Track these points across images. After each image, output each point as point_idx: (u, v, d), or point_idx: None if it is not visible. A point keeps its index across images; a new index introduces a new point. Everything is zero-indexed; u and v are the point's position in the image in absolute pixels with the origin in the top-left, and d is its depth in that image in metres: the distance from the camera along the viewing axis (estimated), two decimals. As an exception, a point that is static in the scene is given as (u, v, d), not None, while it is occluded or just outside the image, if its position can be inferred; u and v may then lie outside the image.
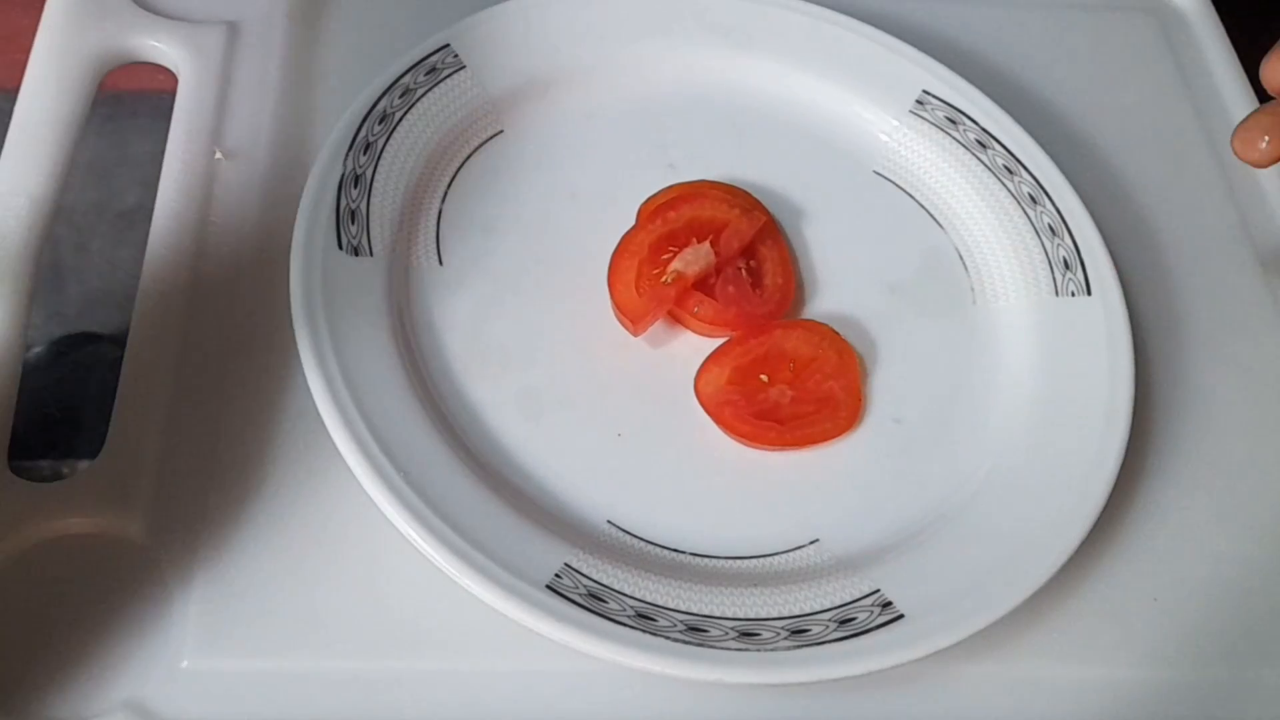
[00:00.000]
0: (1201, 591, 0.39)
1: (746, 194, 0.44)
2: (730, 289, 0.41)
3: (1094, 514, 0.37)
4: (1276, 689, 0.38)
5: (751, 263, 0.42)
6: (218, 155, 0.43)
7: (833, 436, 0.39)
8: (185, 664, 0.34)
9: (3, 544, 0.35)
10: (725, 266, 0.41)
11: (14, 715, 0.33)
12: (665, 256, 0.41)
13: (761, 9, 0.47)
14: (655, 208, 0.42)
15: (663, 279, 0.40)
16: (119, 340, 0.39)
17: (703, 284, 0.41)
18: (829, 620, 0.35)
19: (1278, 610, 0.39)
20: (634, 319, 0.40)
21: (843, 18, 0.47)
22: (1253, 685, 0.38)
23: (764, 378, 0.40)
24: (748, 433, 0.39)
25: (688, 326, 0.41)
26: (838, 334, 0.41)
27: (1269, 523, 0.40)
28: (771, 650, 0.34)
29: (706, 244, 0.41)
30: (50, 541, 0.35)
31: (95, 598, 0.35)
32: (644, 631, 0.33)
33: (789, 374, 0.40)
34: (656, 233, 0.41)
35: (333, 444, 0.35)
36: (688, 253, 0.41)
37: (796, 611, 0.35)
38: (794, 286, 0.42)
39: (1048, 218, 0.44)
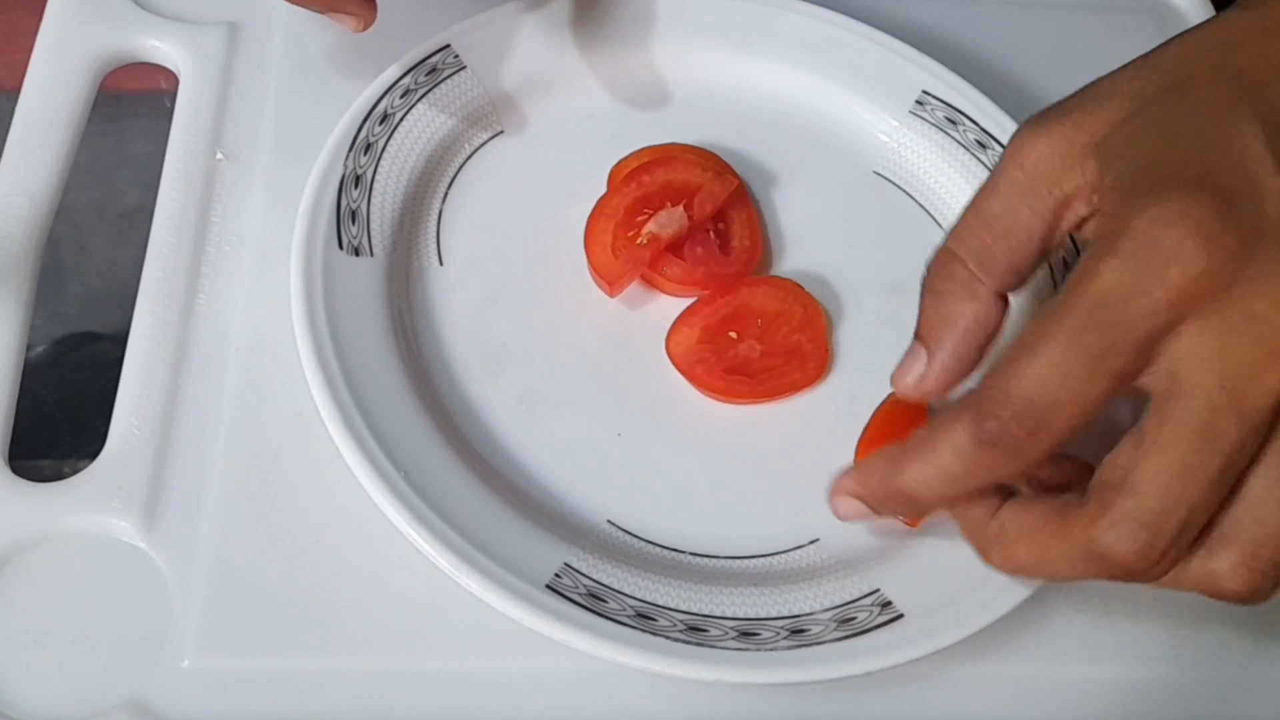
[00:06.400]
0: (1201, 591, 0.39)
1: (717, 157, 0.44)
2: (699, 250, 0.42)
3: (1094, 514, 0.37)
4: (1277, 689, 0.38)
5: (720, 225, 0.43)
6: (218, 155, 0.43)
7: (803, 387, 0.40)
8: (186, 664, 0.34)
9: (3, 544, 0.35)
10: (696, 229, 0.42)
11: (14, 715, 0.33)
12: (640, 219, 0.41)
13: (761, 9, 0.47)
14: (629, 172, 0.43)
15: (638, 241, 0.41)
16: (119, 340, 0.39)
17: (673, 247, 0.42)
18: (829, 620, 0.35)
19: (1277, 610, 0.39)
20: (610, 280, 0.41)
21: (842, 18, 0.47)
22: (1253, 685, 0.38)
23: (733, 334, 0.40)
24: (720, 388, 0.40)
25: (661, 290, 0.42)
26: (802, 288, 0.42)
27: (1269, 523, 0.40)
28: (771, 650, 0.34)
29: (680, 208, 0.42)
30: (50, 541, 0.35)
31: (95, 598, 0.35)
32: (644, 631, 0.33)
33: (757, 329, 0.41)
34: (631, 196, 0.42)
35: (333, 443, 0.35)
36: (662, 215, 0.41)
37: (796, 611, 0.35)
38: (761, 248, 0.43)
39: (1048, 218, 0.44)
